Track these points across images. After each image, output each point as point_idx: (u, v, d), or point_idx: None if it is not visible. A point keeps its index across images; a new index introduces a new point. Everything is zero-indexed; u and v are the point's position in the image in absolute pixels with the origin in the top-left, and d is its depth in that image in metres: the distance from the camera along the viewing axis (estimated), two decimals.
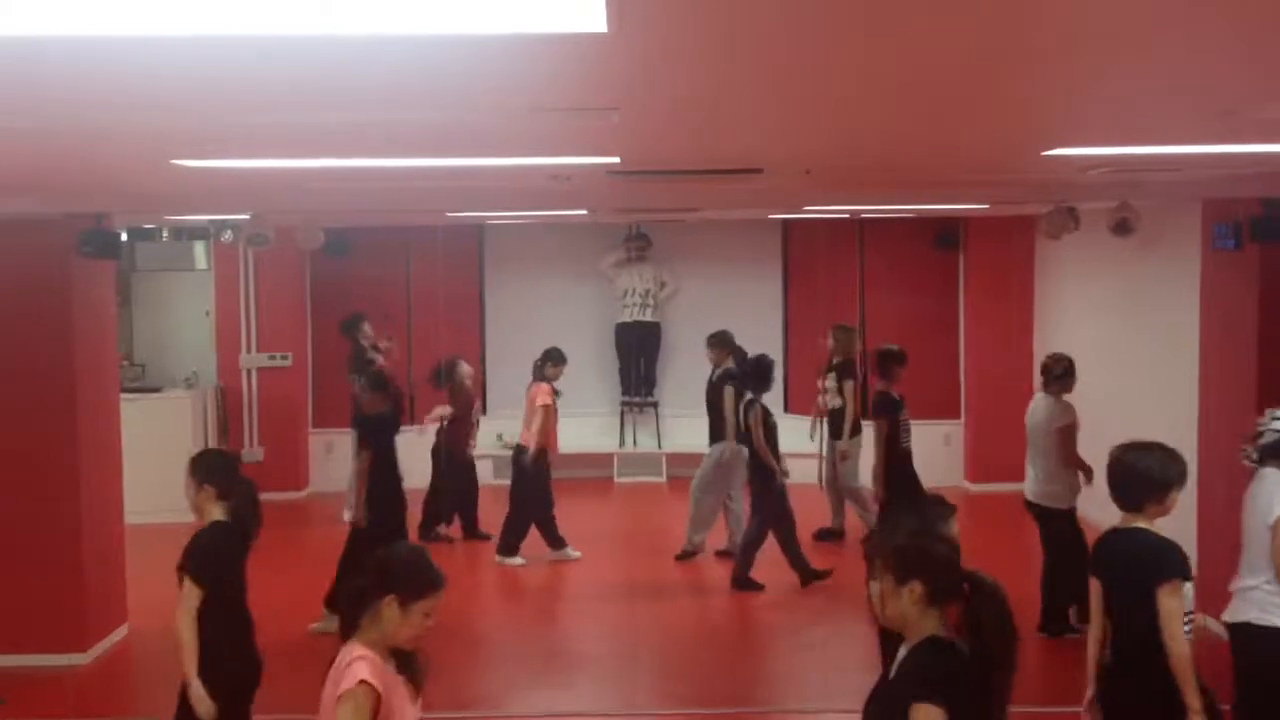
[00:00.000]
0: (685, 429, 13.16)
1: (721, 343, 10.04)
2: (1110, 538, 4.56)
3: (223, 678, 5.05)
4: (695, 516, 10.03)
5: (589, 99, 3.22)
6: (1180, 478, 4.45)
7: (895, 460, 9.21)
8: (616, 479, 13.52)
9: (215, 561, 5.12)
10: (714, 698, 7.32)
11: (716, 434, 9.97)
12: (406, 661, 3.71)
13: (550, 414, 10.09)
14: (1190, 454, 8.35)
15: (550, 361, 10.25)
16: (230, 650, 5.12)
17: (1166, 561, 4.35)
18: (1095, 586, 4.62)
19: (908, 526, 3.73)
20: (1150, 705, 4.36)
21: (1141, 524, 4.44)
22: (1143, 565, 4.35)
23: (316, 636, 8.22)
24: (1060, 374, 8.16)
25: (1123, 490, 4.47)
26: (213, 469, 5.26)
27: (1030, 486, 8.10)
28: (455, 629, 8.64)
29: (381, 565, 3.75)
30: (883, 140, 4.69)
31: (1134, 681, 4.38)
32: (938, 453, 12.05)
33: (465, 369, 10.90)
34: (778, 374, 12.26)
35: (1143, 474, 4.42)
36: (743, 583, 9.32)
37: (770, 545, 9.35)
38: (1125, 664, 4.42)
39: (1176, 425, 8.89)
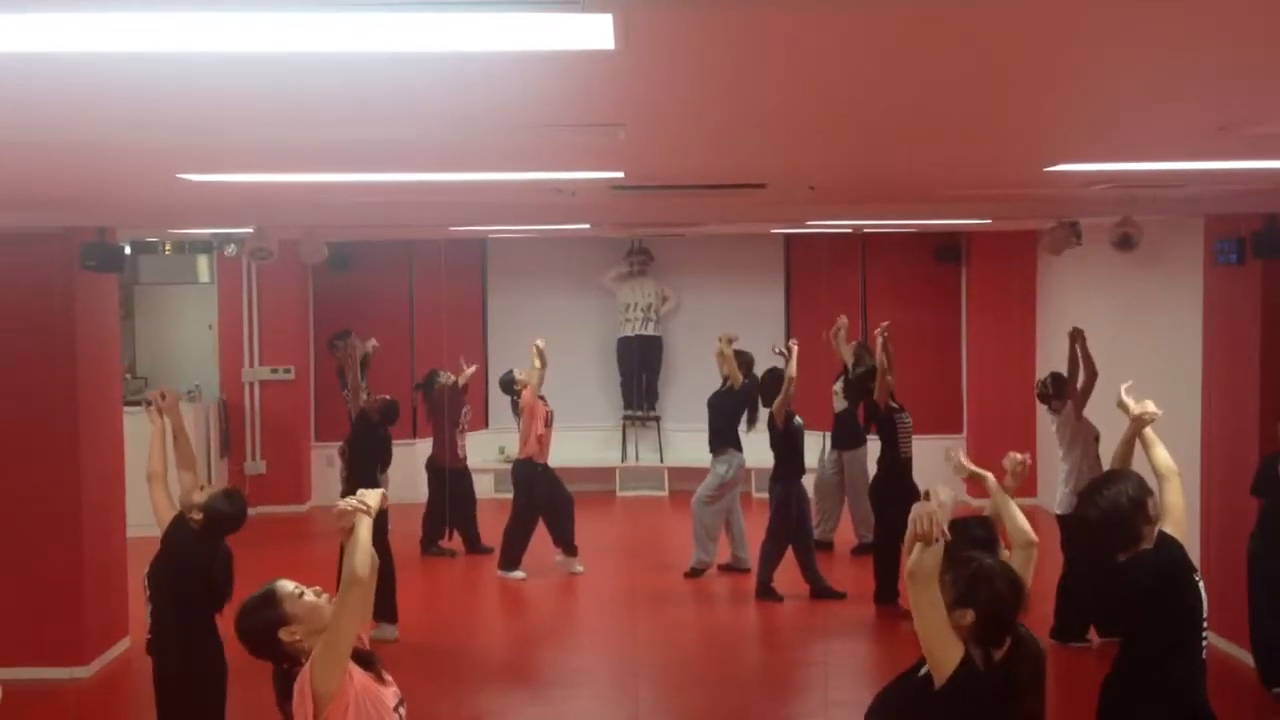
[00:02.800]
0: (687, 443, 13.15)
1: (741, 363, 10.05)
2: (1118, 569, 4.47)
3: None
4: (699, 532, 10.01)
5: (595, 115, 3.24)
6: (1143, 483, 4.44)
7: (895, 468, 9.20)
8: (618, 493, 13.51)
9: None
10: (717, 712, 7.31)
11: (717, 445, 9.97)
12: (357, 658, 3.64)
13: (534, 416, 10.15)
14: (1193, 469, 8.40)
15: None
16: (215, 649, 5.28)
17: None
18: None
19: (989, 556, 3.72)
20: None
21: (1144, 546, 4.40)
22: (1147, 583, 4.34)
23: None
24: (1049, 395, 8.54)
25: (1118, 536, 4.37)
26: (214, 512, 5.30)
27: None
28: (458, 644, 8.63)
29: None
30: (886, 156, 4.70)
31: (1137, 702, 4.37)
32: (938, 467, 11.97)
33: (444, 378, 10.88)
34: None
35: (1124, 511, 4.35)
36: (765, 592, 9.32)
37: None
38: (1129, 684, 4.40)
39: (1178, 441, 8.89)
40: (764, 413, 9.79)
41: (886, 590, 8.85)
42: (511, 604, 9.76)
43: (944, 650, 3.38)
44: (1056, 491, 8.40)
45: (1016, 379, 12.54)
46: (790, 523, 9.28)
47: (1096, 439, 8.15)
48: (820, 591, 9.31)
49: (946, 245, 13.03)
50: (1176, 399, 9.14)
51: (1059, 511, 8.25)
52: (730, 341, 9.98)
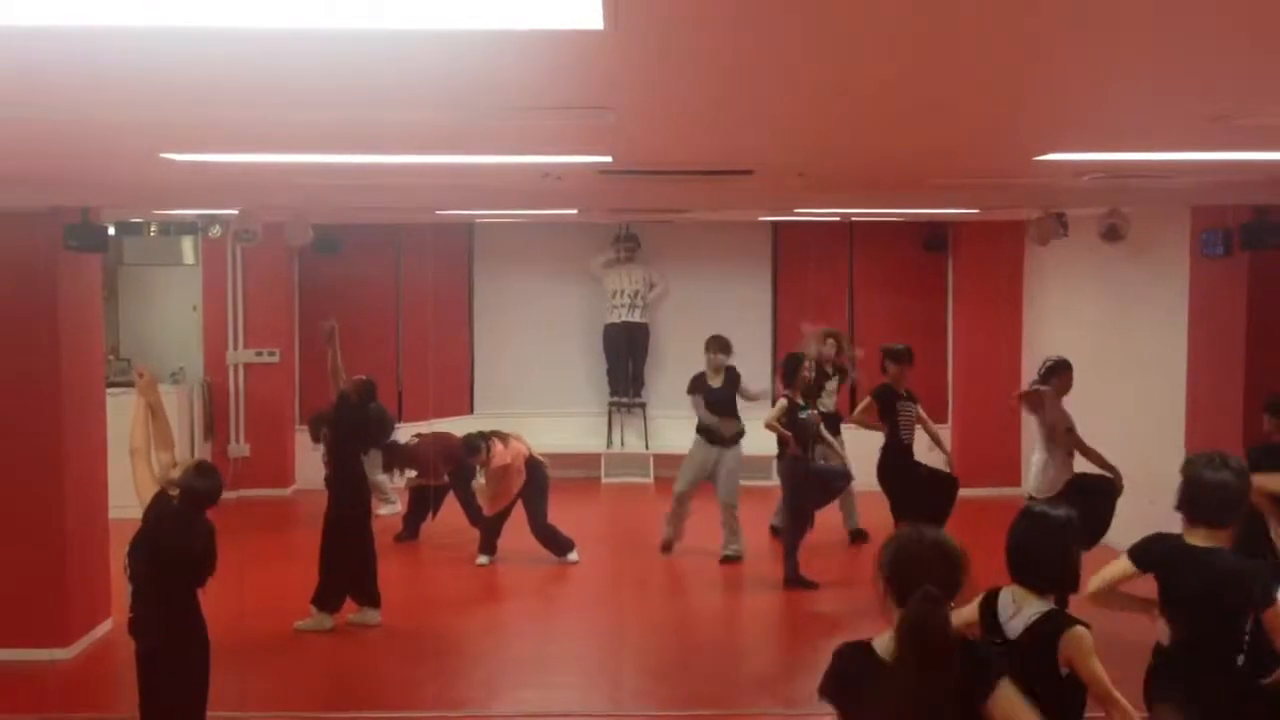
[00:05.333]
0: (673, 430, 13.15)
1: (721, 347, 10.08)
2: (1189, 554, 4.37)
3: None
4: (726, 522, 10.02)
5: (584, 98, 3.21)
6: None
7: (895, 449, 9.27)
8: (604, 479, 13.50)
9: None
10: (700, 699, 7.31)
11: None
12: None
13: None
14: (1176, 460, 8.40)
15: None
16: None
17: (1266, 584, 4.32)
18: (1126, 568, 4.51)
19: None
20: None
21: (1221, 543, 4.34)
22: (1238, 589, 4.29)
23: (302, 634, 8.21)
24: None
25: (1218, 510, 4.33)
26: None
27: None
28: (442, 629, 8.62)
29: None
30: (876, 143, 4.69)
31: (1212, 698, 4.33)
32: (925, 456, 12.04)
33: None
34: (765, 379, 12.29)
35: (1239, 495, 4.33)
36: (796, 580, 9.35)
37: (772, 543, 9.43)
38: (1200, 678, 4.35)
39: (1163, 430, 8.92)
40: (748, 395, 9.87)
41: None
42: (496, 590, 9.74)
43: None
44: (1030, 476, 8.39)
45: (1002, 369, 12.56)
46: (804, 500, 9.37)
47: (1069, 429, 8.16)
48: (792, 577, 9.36)
49: (934, 234, 13.04)
50: (1162, 388, 9.18)
51: (1031, 494, 8.22)
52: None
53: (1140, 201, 7.81)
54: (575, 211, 10.21)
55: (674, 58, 2.67)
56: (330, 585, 8.27)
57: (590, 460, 13.45)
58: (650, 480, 13.42)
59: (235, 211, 9.33)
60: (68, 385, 7.85)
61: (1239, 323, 7.92)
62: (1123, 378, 10.00)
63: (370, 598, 8.35)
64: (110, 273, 12.05)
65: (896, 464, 9.19)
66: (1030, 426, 8.44)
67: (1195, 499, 4.38)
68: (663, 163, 5.42)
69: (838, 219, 12.25)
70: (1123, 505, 8.22)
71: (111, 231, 11.17)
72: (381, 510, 11.16)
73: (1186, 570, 4.37)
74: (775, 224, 13.34)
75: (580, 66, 2.72)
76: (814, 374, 10.03)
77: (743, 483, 10.20)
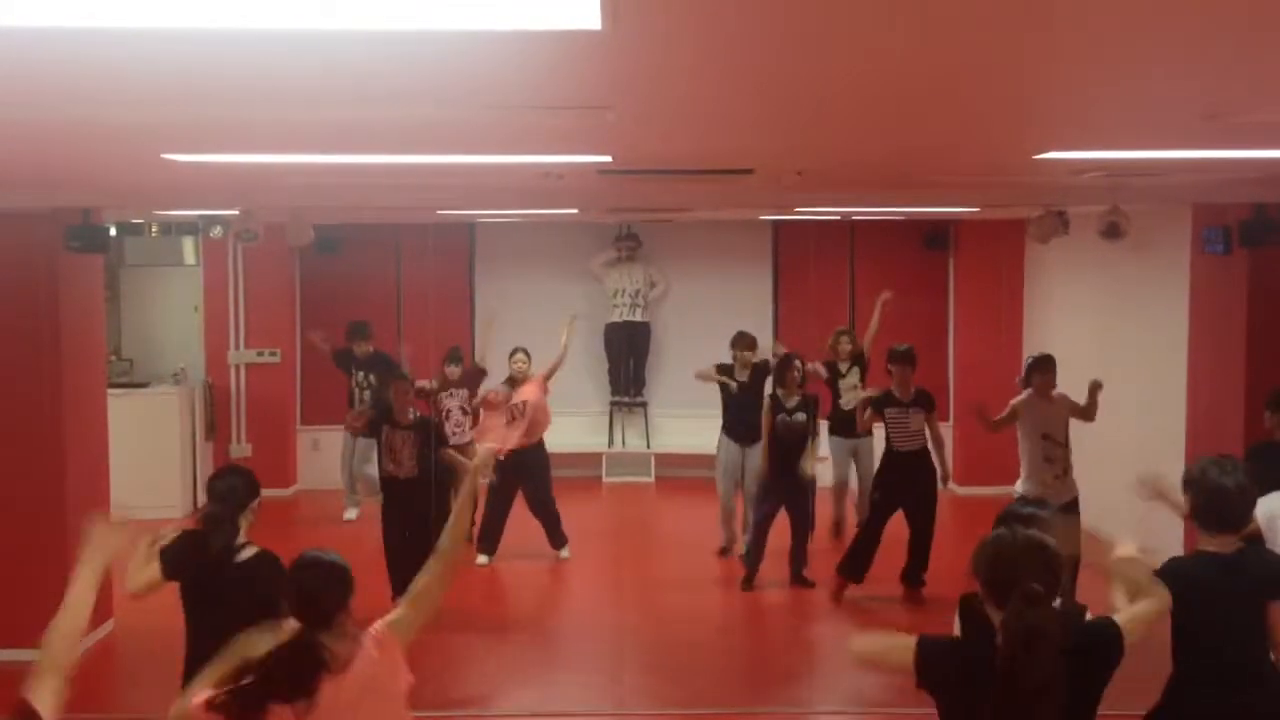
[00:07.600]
0: (674, 429, 13.17)
1: (748, 344, 10.09)
2: (1212, 565, 4.24)
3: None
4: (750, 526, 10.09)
5: (583, 97, 3.21)
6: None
7: (885, 460, 9.24)
8: (605, 478, 13.51)
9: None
10: (701, 697, 7.32)
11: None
12: None
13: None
14: (1177, 458, 8.41)
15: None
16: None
17: None
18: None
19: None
20: None
21: (1234, 546, 4.27)
22: (1269, 586, 4.25)
23: None
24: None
25: (1238, 515, 4.26)
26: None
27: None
28: (441, 628, 8.62)
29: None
30: (875, 142, 4.69)
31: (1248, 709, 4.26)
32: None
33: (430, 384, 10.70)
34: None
35: (1253, 496, 4.29)
36: (799, 579, 9.41)
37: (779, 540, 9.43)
38: (1232, 690, 4.25)
39: (1164, 428, 8.93)
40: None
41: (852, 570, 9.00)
42: (496, 588, 9.76)
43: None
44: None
45: (1004, 366, 12.54)
46: (798, 506, 9.40)
47: (1083, 406, 8.22)
48: (796, 575, 9.39)
49: (935, 232, 13.04)
50: (1162, 386, 9.18)
51: (1019, 492, 8.19)
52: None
53: (1141, 199, 7.81)
54: (576, 211, 10.22)
55: (672, 57, 2.67)
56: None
57: (592, 459, 13.46)
58: (651, 480, 13.43)
59: (236, 212, 9.35)
60: (70, 386, 7.86)
61: (1239, 320, 7.93)
62: (1124, 374, 10.00)
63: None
64: (112, 273, 12.06)
65: (883, 472, 9.15)
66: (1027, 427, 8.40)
67: (1220, 508, 4.26)
68: (663, 162, 5.43)
69: (838, 218, 12.26)
70: (1122, 500, 8.22)
71: (113, 232, 11.20)
72: (347, 514, 11.30)
73: (1216, 582, 4.23)
74: (775, 223, 13.35)
75: (578, 66, 2.73)
76: (803, 377, 9.96)
77: None
